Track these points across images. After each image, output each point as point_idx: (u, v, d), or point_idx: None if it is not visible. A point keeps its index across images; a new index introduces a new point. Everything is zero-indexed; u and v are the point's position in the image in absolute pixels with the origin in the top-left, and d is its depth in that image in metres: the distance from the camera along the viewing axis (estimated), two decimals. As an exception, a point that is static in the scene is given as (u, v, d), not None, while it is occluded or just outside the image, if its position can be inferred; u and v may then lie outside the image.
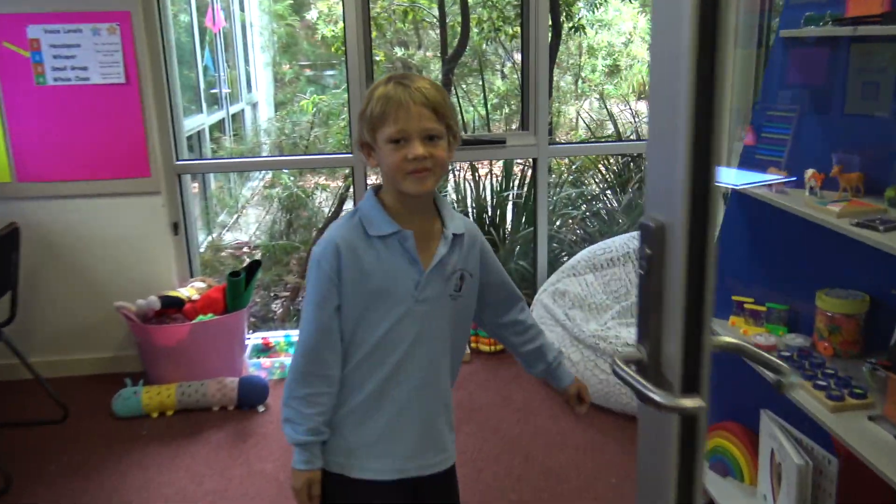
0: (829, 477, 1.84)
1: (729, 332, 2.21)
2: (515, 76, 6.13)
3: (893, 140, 1.93)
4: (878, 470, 1.52)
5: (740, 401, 2.34)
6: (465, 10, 4.47)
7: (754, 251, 2.21)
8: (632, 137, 4.34)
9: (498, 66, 7.05)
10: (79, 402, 2.96)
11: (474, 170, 4.04)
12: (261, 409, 2.90)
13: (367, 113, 1.30)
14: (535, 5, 3.22)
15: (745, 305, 2.20)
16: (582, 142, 3.89)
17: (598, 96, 7.41)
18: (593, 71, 7.89)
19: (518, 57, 5.99)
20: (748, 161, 2.15)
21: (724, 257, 2.25)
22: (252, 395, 2.90)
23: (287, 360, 3.20)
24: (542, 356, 1.54)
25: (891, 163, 1.93)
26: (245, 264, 3.25)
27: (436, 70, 6.14)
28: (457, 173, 4.15)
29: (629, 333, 2.88)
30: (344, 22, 3.16)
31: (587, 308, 3.11)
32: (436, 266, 1.34)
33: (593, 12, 5.89)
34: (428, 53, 7.29)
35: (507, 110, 6.46)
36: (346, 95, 5.15)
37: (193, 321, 2.93)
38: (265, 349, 3.37)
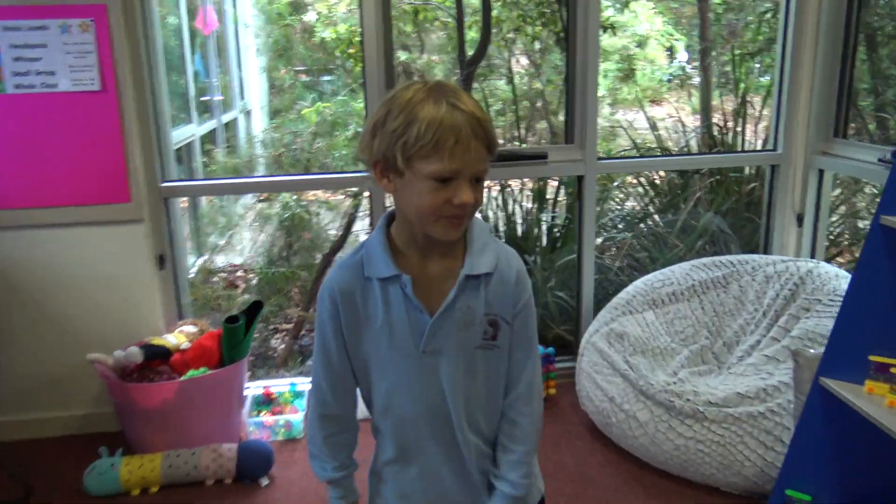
0: None
1: (865, 401, 1.74)
2: (522, 81, 5.67)
3: None
4: None
5: (885, 487, 1.87)
6: (486, 7, 4.01)
7: (900, 301, 1.74)
8: (681, 150, 3.87)
9: (503, 70, 6.60)
10: (45, 475, 2.45)
11: (504, 187, 3.56)
12: (264, 482, 2.40)
13: (405, 134, 1.07)
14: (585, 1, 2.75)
15: (893, 370, 1.73)
16: (640, 156, 3.44)
17: (610, 102, 6.96)
18: (605, 76, 7.45)
19: (524, 60, 5.53)
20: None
21: (858, 306, 1.78)
22: (253, 465, 2.41)
23: (293, 417, 2.71)
24: (502, 469, 1.27)
25: None
26: (243, 307, 2.75)
27: (440, 76, 5.68)
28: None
29: (707, 386, 2.40)
30: (361, 22, 2.68)
31: (650, 354, 2.63)
32: (444, 312, 1.17)
33: (623, 12, 5.44)
34: (434, 57, 6.83)
35: (510, 117, 6.00)
36: (352, 104, 4.69)
37: (183, 377, 2.43)
38: (267, 401, 2.87)
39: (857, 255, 3.56)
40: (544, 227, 3.57)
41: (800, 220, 3.00)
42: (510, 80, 6.78)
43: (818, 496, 1.94)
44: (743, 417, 2.22)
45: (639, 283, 2.89)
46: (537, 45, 4.95)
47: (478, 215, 1.23)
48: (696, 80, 6.04)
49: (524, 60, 5.61)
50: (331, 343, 1.22)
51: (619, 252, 3.37)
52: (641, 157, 3.32)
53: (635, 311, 2.78)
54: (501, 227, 3.58)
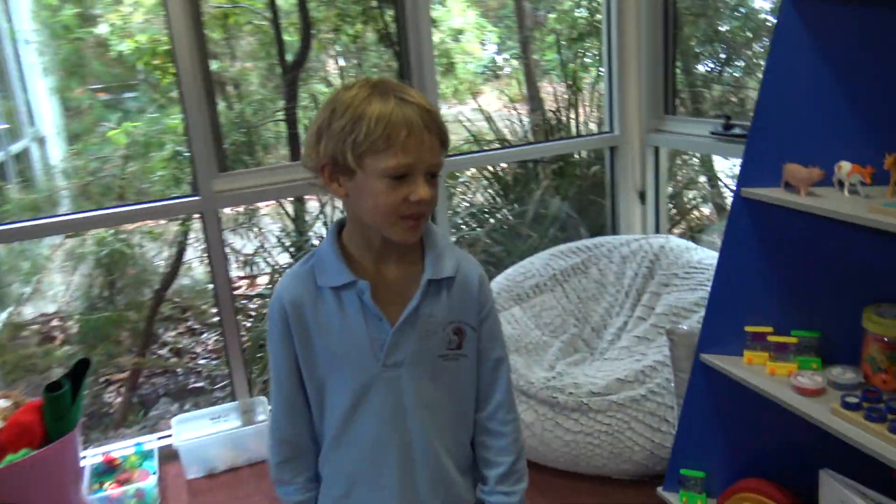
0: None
1: (746, 371, 1.75)
2: (340, 82, 5.48)
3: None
4: None
5: (774, 453, 1.91)
6: (303, 6, 3.78)
7: (769, 270, 1.77)
8: (521, 140, 3.85)
9: (324, 73, 6.37)
10: None
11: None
12: (121, 568, 2.06)
13: (353, 132, 1.02)
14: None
15: (769, 338, 1.75)
16: (481, 150, 3.37)
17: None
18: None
19: (342, 62, 5.34)
20: (754, 159, 1.69)
21: (729, 280, 1.79)
22: (105, 552, 2.05)
23: (145, 483, 2.36)
24: (486, 471, 1.23)
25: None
26: (66, 366, 2.34)
27: (255, 84, 5.35)
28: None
29: (586, 376, 2.37)
30: (169, 30, 2.36)
31: (525, 351, 2.56)
32: (406, 320, 1.11)
33: (436, 7, 5.38)
34: (247, 65, 6.45)
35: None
36: (165, 121, 4.26)
37: (-1, 465, 2.02)
38: (109, 469, 2.49)
39: (692, 225, 3.75)
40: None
41: (642, 197, 3.08)
42: (330, 83, 6.53)
43: (711, 470, 1.96)
44: (626, 403, 2.21)
45: (500, 279, 2.82)
46: (355, 46, 4.78)
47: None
48: (507, 70, 6.16)
49: (342, 62, 5.41)
50: (281, 363, 1.15)
51: (474, 249, 3.29)
52: (484, 151, 3.25)
53: (502, 308, 2.71)
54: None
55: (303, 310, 1.12)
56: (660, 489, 2.05)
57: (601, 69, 3.18)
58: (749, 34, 4.05)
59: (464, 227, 3.59)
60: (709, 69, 3.91)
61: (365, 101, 1.03)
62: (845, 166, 1.55)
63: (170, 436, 2.57)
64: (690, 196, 3.85)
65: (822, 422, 1.54)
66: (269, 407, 1.28)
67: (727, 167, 3.75)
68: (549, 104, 3.82)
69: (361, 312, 1.10)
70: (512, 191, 3.46)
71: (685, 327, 2.10)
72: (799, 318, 1.76)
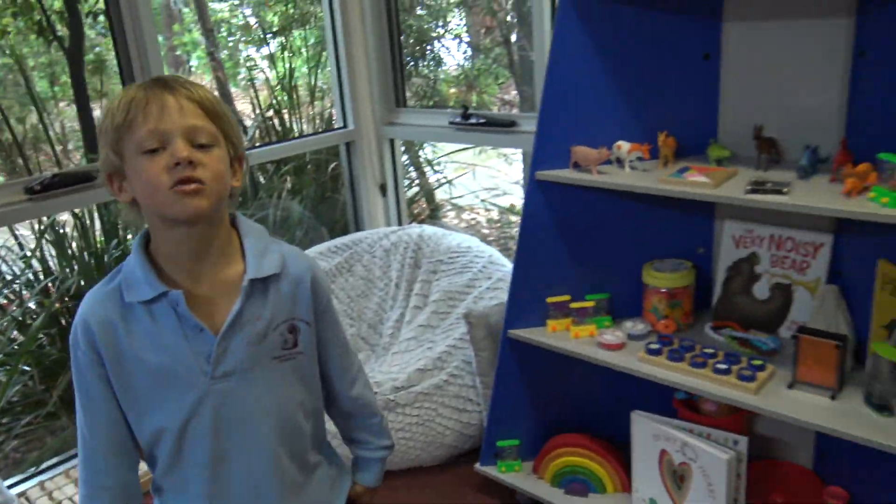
0: (739, 458, 1.73)
1: (553, 339, 1.92)
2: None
3: (684, 103, 1.87)
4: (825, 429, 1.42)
5: (580, 409, 2.11)
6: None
7: (563, 244, 1.94)
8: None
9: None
10: None
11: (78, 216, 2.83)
12: None
13: (105, 126, 0.98)
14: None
15: (571, 305, 1.93)
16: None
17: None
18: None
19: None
20: (544, 144, 1.84)
21: (528, 258, 1.93)
22: None
23: None
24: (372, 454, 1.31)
25: (690, 126, 1.87)
26: None
27: None
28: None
29: (382, 373, 2.36)
30: None
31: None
32: (231, 326, 1.04)
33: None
34: None
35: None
36: None
37: None
38: None
39: (425, 214, 3.92)
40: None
41: (383, 189, 3.13)
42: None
43: (524, 437, 2.10)
44: (431, 391, 2.25)
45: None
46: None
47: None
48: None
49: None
50: (96, 393, 1.05)
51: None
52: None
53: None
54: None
55: (113, 331, 1.03)
56: (477, 465, 2.14)
57: (325, 65, 3.13)
58: (439, 29, 4.34)
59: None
60: (407, 61, 4.11)
61: (120, 95, 1.00)
62: (624, 146, 1.78)
63: None
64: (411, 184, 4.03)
65: (634, 370, 1.76)
66: (78, 451, 1.08)
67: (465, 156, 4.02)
68: (274, 103, 3.65)
69: (179, 325, 1.03)
70: (252, 201, 3.24)
71: (480, 308, 2.21)
72: (591, 283, 1.97)
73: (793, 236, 1.81)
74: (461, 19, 4.60)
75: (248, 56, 4.33)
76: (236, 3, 4.97)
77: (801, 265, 1.81)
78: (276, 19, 4.23)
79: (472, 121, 2.73)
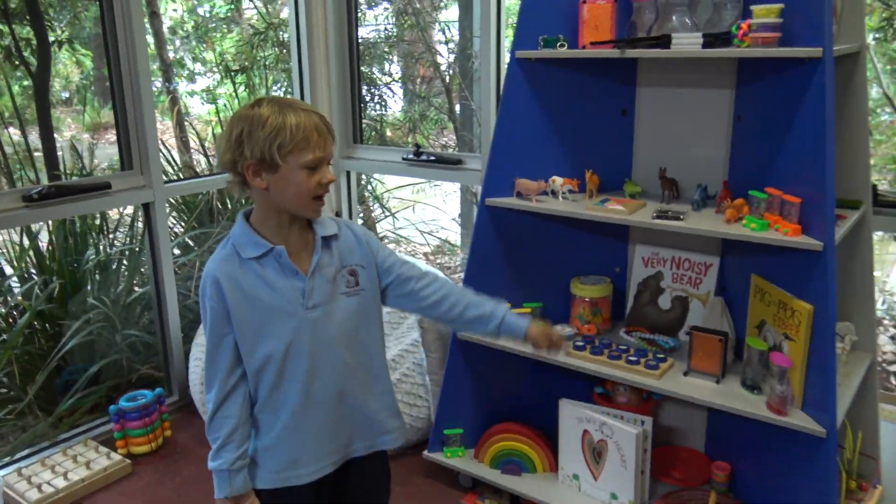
0: (645, 434, 2.13)
1: (494, 340, 2.28)
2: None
3: (606, 148, 2.31)
4: (717, 406, 1.84)
5: (515, 402, 2.47)
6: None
7: (505, 259, 2.33)
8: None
9: None
10: None
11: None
12: None
13: (278, 137, 1.33)
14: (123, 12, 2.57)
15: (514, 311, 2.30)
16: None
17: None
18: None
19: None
20: (492, 176, 2.23)
21: (476, 270, 2.30)
22: None
23: None
24: (486, 311, 1.60)
25: (610, 166, 2.30)
26: None
27: None
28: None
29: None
30: None
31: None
32: (314, 270, 1.42)
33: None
34: None
35: None
36: None
37: None
38: None
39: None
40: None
41: (338, 216, 3.46)
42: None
43: (468, 427, 2.44)
44: (386, 388, 2.56)
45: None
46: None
47: None
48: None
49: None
50: (222, 330, 1.40)
51: (195, 272, 3.25)
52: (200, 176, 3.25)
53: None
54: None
55: (236, 281, 1.39)
56: (426, 452, 2.46)
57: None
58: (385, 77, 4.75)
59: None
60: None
61: (280, 114, 1.34)
62: (558, 180, 2.19)
63: None
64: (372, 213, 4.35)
65: (564, 362, 2.14)
66: (207, 385, 1.44)
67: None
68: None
69: (281, 272, 1.40)
70: (216, 224, 3.49)
71: (432, 316, 2.55)
72: (528, 293, 2.36)
73: (689, 258, 2.26)
74: (399, 69, 5.03)
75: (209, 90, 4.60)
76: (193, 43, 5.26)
77: (695, 281, 2.25)
78: (234, 58, 4.54)
79: (424, 157, 3.11)
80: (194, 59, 5.87)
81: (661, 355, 2.09)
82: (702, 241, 2.19)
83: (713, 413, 2.31)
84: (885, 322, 4.00)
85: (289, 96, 1.23)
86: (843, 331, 2.06)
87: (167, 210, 2.87)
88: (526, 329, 1.60)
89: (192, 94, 5.60)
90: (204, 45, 5.80)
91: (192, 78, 5.88)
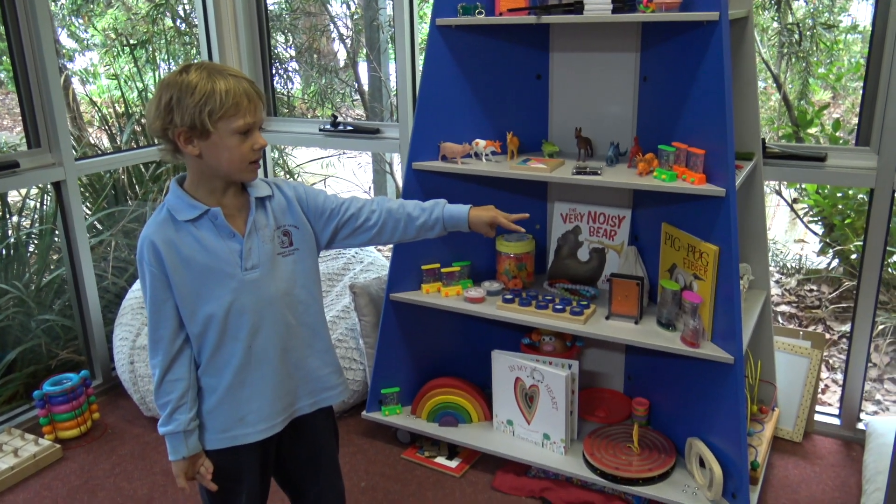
0: (573, 377, 2.29)
1: (427, 298, 2.38)
2: None
3: (524, 111, 2.42)
4: (636, 343, 2.03)
5: (449, 357, 2.57)
6: None
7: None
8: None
9: None
10: None
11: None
12: None
13: (208, 104, 1.32)
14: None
15: (443, 270, 2.40)
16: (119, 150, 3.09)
17: None
18: None
19: None
20: (418, 141, 2.31)
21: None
22: None
23: None
24: (427, 215, 1.69)
25: (528, 128, 2.42)
26: None
27: None
28: None
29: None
30: None
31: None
32: (250, 231, 1.44)
33: None
34: None
35: None
36: None
37: None
38: None
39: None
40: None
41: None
42: None
43: (404, 385, 2.53)
44: (321, 354, 2.61)
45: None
46: None
47: None
48: None
49: None
50: (161, 294, 1.41)
51: (109, 252, 3.14)
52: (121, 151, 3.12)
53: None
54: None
55: (172, 245, 1.40)
56: (364, 413, 2.54)
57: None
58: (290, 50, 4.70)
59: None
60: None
61: (209, 80, 1.33)
62: (481, 142, 2.29)
63: None
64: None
65: (495, 315, 2.26)
66: (149, 348, 1.46)
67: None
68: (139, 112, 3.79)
69: (217, 234, 1.42)
70: (133, 200, 3.38)
71: (363, 280, 2.61)
72: (456, 253, 2.46)
73: (604, 212, 2.42)
74: (304, 42, 4.99)
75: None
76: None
77: (610, 233, 2.42)
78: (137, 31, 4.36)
79: (341, 128, 3.14)
80: (70, 35, 5.58)
81: (584, 303, 2.25)
82: (615, 195, 2.36)
83: (630, 355, 2.50)
84: (770, 268, 4.38)
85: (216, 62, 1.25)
86: (742, 271, 2.29)
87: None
88: (467, 218, 1.72)
89: (85, 72, 5.33)
90: (80, 21, 5.52)
91: (70, 57, 5.59)
